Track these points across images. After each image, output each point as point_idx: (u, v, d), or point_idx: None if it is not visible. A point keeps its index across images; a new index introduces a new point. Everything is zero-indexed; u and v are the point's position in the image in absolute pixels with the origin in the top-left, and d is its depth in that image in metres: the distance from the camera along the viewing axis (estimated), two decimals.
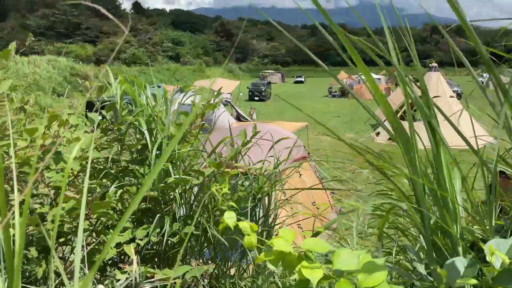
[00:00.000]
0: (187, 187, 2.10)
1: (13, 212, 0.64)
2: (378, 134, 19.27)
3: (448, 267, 0.88)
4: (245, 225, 0.89)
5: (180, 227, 2.01)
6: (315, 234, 1.26)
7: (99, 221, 1.94)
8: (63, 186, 0.75)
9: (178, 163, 2.08)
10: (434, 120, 1.13)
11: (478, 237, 1.09)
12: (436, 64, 21.20)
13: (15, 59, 28.61)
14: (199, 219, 2.02)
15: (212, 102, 2.56)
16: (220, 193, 1.74)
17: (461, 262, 0.88)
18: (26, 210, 0.68)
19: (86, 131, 2.06)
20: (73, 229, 1.82)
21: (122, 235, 1.94)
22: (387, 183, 1.46)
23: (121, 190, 1.97)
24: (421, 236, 1.11)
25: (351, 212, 1.30)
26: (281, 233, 0.86)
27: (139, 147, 2.15)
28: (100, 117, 2.27)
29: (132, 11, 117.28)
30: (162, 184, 1.93)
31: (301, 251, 0.82)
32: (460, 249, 1.03)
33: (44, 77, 35.49)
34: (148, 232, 1.94)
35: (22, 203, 1.92)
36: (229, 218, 0.91)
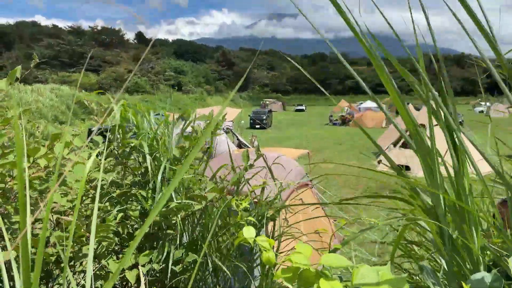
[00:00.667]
0: (190, 212, 2.07)
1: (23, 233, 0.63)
2: (380, 162, 19.22)
3: (473, 282, 0.84)
4: (263, 240, 0.87)
5: (183, 255, 1.96)
6: (332, 251, 1.23)
7: (100, 245, 1.90)
8: (76, 208, 0.73)
9: (181, 188, 2.05)
10: (459, 133, 1.12)
11: (498, 255, 1.06)
12: (436, 93, 21.39)
13: (18, 87, 28.97)
14: (202, 246, 1.98)
15: (217, 128, 2.56)
16: (240, 207, 1.71)
17: (486, 277, 0.85)
18: (44, 230, 0.66)
19: (90, 154, 2.05)
20: (74, 254, 1.78)
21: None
22: (400, 203, 1.43)
23: (120, 215, 1.94)
24: (439, 256, 1.08)
25: (364, 230, 1.26)
26: (298, 248, 0.83)
27: (142, 170, 2.14)
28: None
29: (135, 41, 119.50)
30: (165, 209, 1.90)
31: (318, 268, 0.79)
32: (481, 267, 1.00)
33: (47, 105, 35.88)
34: (151, 258, 1.90)
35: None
36: (248, 233, 0.88)
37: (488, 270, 1.01)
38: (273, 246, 2.50)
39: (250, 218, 1.72)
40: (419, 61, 1.43)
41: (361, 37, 1.19)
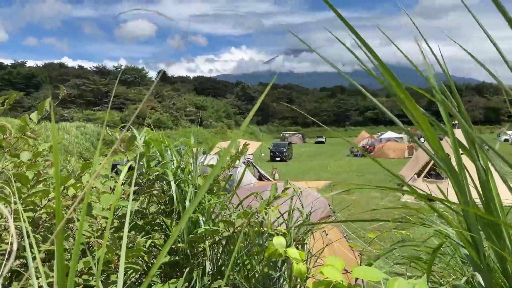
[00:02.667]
0: (217, 239, 2.06)
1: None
2: (404, 193, 18.81)
3: None
4: (294, 252, 0.85)
5: (208, 282, 1.94)
6: (368, 265, 1.19)
7: (126, 275, 1.90)
8: (107, 230, 0.74)
9: (206, 214, 2.05)
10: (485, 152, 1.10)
11: None
12: (457, 122, 21.13)
13: (46, 125, 29.98)
14: (228, 274, 1.95)
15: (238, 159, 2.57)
16: (271, 215, 1.68)
17: None
18: (75, 258, 0.67)
19: (116, 182, 2.08)
20: (103, 282, 1.78)
21: None
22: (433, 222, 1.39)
23: (149, 241, 1.94)
24: (477, 274, 1.03)
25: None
26: (329, 261, 0.81)
27: (167, 198, 2.15)
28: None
29: (157, 78, 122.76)
30: (192, 235, 1.89)
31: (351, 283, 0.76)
32: None
33: (72, 143, 36.93)
34: (176, 287, 1.88)
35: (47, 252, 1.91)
36: (279, 243, 0.86)
37: None
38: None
39: (280, 228, 1.69)
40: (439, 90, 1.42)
41: (391, 71, 1.20)
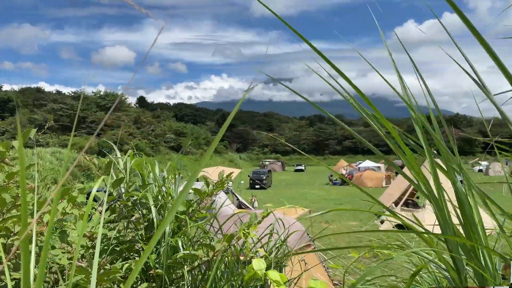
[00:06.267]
0: (196, 264, 2.02)
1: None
2: (382, 222, 18.95)
3: None
4: (274, 274, 0.84)
5: None
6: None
7: None
8: (75, 256, 0.73)
9: (185, 239, 2.02)
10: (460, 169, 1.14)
11: None
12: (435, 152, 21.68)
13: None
14: None
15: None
16: (249, 236, 1.66)
17: None
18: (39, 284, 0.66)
19: (94, 208, 2.04)
20: None
21: None
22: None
23: (126, 265, 1.89)
24: None
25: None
26: (312, 284, 0.81)
27: (145, 224, 2.11)
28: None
29: (136, 105, 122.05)
30: (170, 260, 1.85)
31: None
32: None
33: (47, 168, 35.99)
34: None
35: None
36: (258, 266, 0.85)
37: None
38: None
39: (260, 250, 1.67)
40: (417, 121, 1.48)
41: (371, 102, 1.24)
